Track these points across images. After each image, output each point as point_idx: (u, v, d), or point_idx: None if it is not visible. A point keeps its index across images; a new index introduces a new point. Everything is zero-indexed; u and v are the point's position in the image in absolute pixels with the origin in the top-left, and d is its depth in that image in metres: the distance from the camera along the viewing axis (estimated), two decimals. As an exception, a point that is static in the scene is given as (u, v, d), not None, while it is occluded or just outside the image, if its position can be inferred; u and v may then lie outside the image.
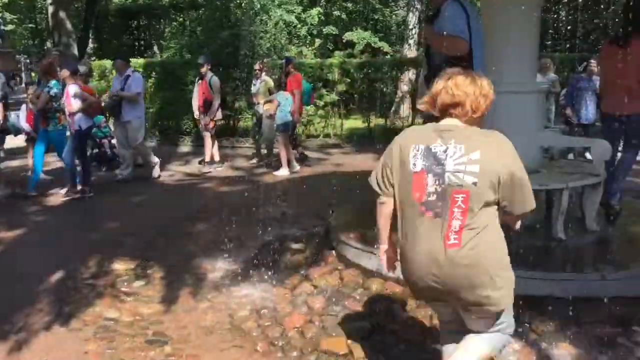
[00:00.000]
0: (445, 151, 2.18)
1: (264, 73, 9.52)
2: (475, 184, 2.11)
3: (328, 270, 4.13)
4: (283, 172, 8.62)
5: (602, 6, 12.87)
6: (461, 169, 2.13)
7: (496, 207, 2.17)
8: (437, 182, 2.17)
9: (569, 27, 13.34)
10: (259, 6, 14.55)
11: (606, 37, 5.27)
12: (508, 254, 2.23)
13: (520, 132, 4.16)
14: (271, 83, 9.46)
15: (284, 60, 9.56)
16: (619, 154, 4.90)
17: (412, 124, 11.76)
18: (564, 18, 13.48)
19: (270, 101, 9.04)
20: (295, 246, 4.81)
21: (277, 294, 3.84)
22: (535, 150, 4.47)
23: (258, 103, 9.34)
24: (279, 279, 4.08)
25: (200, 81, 9.01)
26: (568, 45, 12.64)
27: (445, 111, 2.28)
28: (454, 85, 2.25)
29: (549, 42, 13.32)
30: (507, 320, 2.30)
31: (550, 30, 13.59)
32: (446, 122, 2.29)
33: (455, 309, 2.29)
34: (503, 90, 4.24)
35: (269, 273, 4.18)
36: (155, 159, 8.46)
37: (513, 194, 2.15)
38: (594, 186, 4.21)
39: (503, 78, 4.35)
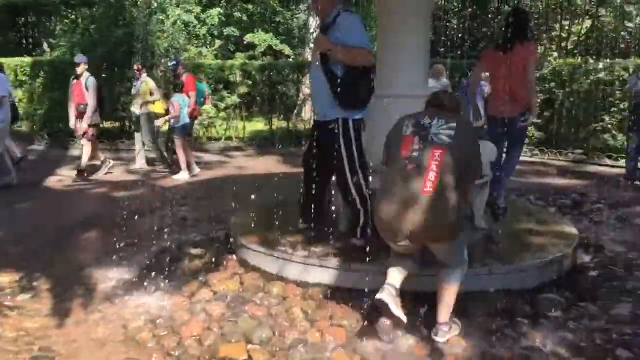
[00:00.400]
0: (430, 123, 2.97)
1: (144, 73, 9.23)
2: (450, 143, 2.87)
3: (228, 275, 4.05)
4: (182, 176, 8.42)
5: (490, 15, 13.66)
6: (441, 132, 2.91)
7: (459, 171, 2.84)
8: (420, 142, 2.92)
9: (460, 35, 14.08)
10: (155, 4, 14.12)
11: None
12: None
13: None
14: (152, 84, 9.17)
15: (173, 62, 9.22)
16: (504, 155, 5.20)
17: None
18: (455, 26, 14.16)
19: (151, 102, 8.83)
20: (194, 251, 4.68)
21: (174, 302, 3.71)
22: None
23: (139, 104, 9.04)
24: (177, 286, 3.95)
25: (74, 81, 8.39)
26: (459, 52, 13.33)
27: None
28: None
29: (442, 49, 13.95)
30: (461, 257, 3.08)
31: (442, 37, 14.25)
32: (434, 109, 3.14)
33: (416, 244, 2.98)
34: (395, 95, 4.42)
35: (166, 280, 4.04)
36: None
37: (469, 166, 2.94)
38: (482, 186, 4.44)
39: (395, 83, 4.50)
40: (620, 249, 4.73)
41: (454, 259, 3.04)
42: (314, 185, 4.07)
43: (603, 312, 3.38)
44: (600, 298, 3.55)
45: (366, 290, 3.41)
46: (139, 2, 13.97)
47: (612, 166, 9.61)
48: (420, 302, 3.38)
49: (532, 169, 9.41)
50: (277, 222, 4.61)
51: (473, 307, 3.37)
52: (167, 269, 4.22)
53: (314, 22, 16.53)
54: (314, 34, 16.41)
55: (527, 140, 8.54)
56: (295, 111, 14.47)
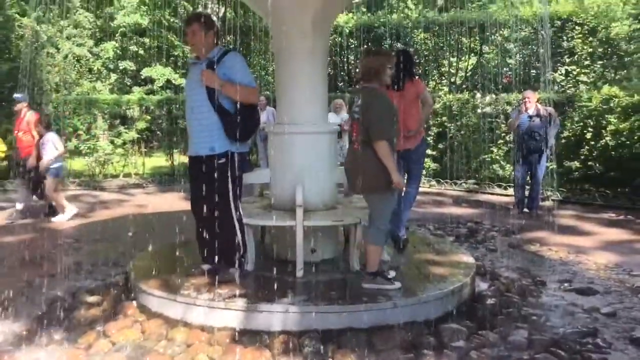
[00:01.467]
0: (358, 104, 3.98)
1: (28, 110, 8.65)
2: (358, 118, 3.90)
3: (128, 323, 3.84)
4: (62, 218, 7.94)
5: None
6: (356, 109, 3.96)
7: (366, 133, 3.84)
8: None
9: (357, 70, 14.64)
10: (45, 38, 13.49)
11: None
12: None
13: (316, 169, 4.37)
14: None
15: (18, 96, 8.40)
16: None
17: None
18: (352, 62, 14.65)
19: None
20: (90, 299, 4.40)
21: (70, 355, 3.46)
22: (331, 186, 4.71)
23: None
24: (72, 338, 3.68)
25: None
26: (357, 86, 13.77)
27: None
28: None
29: (341, 84, 14.36)
30: (380, 221, 3.94)
31: (342, 72, 14.68)
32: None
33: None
34: (297, 132, 4.47)
35: (60, 332, 3.76)
36: None
37: (370, 129, 3.80)
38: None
39: (296, 119, 4.56)
40: (514, 276, 5.00)
41: (372, 220, 3.96)
42: (207, 224, 4.05)
43: (502, 340, 3.53)
44: (498, 325, 3.71)
45: (276, 331, 3.36)
46: (25, 36, 13.28)
47: (502, 195, 10.22)
48: (327, 341, 3.36)
49: (430, 199, 9.81)
50: (180, 264, 4.46)
51: (379, 341, 3.40)
52: (61, 319, 3.94)
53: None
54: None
55: (424, 172, 8.90)
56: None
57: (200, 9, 18.08)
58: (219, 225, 4.03)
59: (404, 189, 5.30)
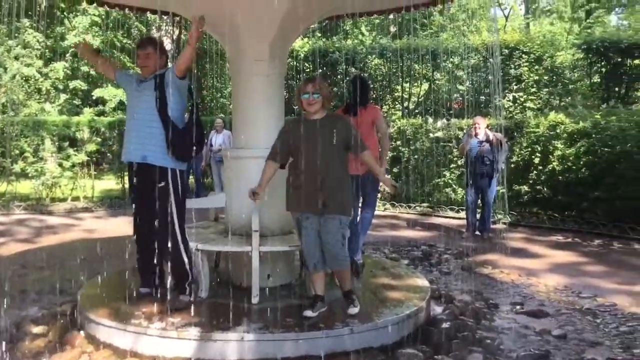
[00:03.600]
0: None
1: None
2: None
3: (75, 354, 3.68)
4: None
5: (339, 77, 14.42)
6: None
7: None
8: None
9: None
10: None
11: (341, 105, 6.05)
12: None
13: (273, 194, 4.33)
14: None
15: None
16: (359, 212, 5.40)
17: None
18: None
19: None
20: (35, 329, 4.21)
21: (12, 391, 3.29)
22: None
23: None
24: (14, 372, 3.51)
25: None
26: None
27: None
28: None
29: (296, 107, 14.41)
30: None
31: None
32: None
33: None
34: (254, 156, 4.45)
35: (2, 366, 3.58)
36: None
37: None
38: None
39: (253, 144, 4.54)
40: (468, 299, 5.06)
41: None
42: (150, 243, 4.05)
43: (458, 364, 3.55)
44: (454, 350, 3.73)
45: (229, 360, 3.28)
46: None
47: (455, 218, 10.39)
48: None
49: (386, 222, 9.88)
50: (129, 292, 4.32)
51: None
52: (3, 351, 3.74)
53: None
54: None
55: (379, 196, 8.97)
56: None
57: (154, 31, 17.93)
58: (164, 247, 3.98)
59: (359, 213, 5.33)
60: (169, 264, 4.09)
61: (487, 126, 8.46)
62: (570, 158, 9.15)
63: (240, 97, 4.72)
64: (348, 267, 3.99)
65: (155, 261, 4.10)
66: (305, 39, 15.18)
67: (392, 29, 17.82)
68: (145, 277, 4.27)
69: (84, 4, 5.71)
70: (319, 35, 17.32)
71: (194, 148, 4.07)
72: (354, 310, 3.91)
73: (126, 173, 12.78)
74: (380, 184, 5.22)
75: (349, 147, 3.94)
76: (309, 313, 3.83)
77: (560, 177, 9.29)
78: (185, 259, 4.05)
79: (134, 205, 4.29)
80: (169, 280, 4.11)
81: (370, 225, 5.47)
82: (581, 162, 9.00)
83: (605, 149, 8.73)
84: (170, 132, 3.95)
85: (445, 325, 4.17)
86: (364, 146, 4.02)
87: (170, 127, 3.96)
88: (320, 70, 14.31)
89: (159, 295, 4.11)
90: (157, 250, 4.04)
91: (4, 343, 3.86)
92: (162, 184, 3.99)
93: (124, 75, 4.49)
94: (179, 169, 4.09)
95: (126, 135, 4.24)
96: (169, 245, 3.96)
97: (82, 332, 3.98)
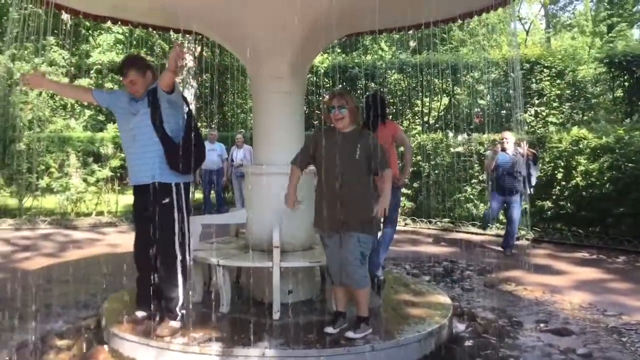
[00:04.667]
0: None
1: None
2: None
3: (99, 368, 3.73)
4: None
5: (359, 92, 14.47)
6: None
7: None
8: None
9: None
10: (18, 75, 13.41)
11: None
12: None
13: (296, 211, 4.35)
14: None
15: None
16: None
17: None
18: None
19: None
20: (60, 343, 4.26)
21: (37, 404, 3.33)
22: (308, 226, 4.68)
23: None
24: (40, 386, 3.56)
25: None
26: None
27: None
28: None
29: (316, 122, 14.49)
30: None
31: (317, 111, 14.83)
32: None
33: None
34: (275, 172, 4.48)
35: (28, 380, 3.63)
36: None
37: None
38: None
39: (274, 160, 4.58)
40: (491, 316, 5.01)
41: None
42: (148, 265, 3.99)
43: (481, 383, 3.52)
44: (477, 368, 3.70)
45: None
46: (-1, 73, 13.21)
47: (477, 233, 10.30)
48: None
49: (406, 238, 9.83)
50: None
51: (359, 386, 3.36)
52: (28, 365, 3.80)
53: (189, 95, 16.51)
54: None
55: (400, 211, 8.94)
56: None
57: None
58: (160, 268, 3.93)
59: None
60: (161, 285, 3.97)
61: (516, 141, 8.36)
62: (594, 173, 9.04)
63: (261, 114, 4.78)
64: (365, 288, 3.83)
65: (153, 282, 3.99)
66: (325, 55, 15.29)
67: (412, 43, 17.86)
68: (142, 298, 4.15)
69: (109, 23, 5.77)
70: (339, 50, 17.43)
71: (194, 160, 3.97)
72: (350, 334, 3.72)
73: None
74: (402, 198, 5.23)
75: (373, 164, 3.82)
76: (330, 329, 3.82)
77: (584, 193, 9.17)
78: (180, 282, 3.94)
79: (134, 225, 4.22)
80: (162, 303, 4.01)
81: (391, 240, 5.46)
82: (605, 178, 8.89)
83: (630, 164, 8.62)
84: (170, 145, 3.92)
85: (468, 343, 4.14)
86: (387, 164, 3.94)
87: (170, 141, 3.93)
88: (340, 86, 14.38)
89: (157, 319, 4.01)
90: (156, 272, 3.97)
91: (29, 357, 3.92)
92: (167, 200, 3.93)
93: (108, 95, 4.41)
94: (183, 182, 4.03)
95: (129, 159, 4.14)
96: (165, 263, 3.91)
97: (106, 347, 4.02)
